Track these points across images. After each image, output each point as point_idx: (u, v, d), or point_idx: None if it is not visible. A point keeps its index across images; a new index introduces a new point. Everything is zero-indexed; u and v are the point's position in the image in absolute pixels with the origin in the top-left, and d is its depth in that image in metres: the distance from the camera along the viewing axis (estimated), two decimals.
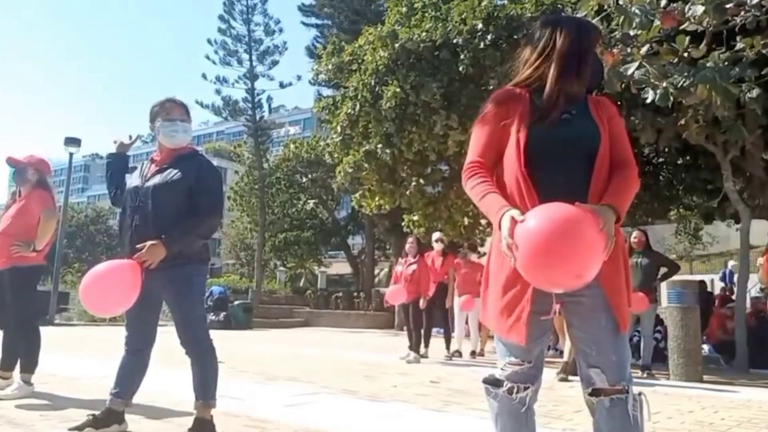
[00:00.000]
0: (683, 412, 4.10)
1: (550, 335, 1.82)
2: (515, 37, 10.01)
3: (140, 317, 2.90)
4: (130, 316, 2.91)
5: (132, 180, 3.01)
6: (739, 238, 7.77)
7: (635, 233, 6.77)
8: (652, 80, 3.63)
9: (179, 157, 2.96)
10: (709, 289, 11.79)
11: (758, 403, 4.62)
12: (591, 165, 1.73)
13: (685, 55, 3.44)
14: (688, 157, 9.09)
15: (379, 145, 11.99)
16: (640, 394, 1.66)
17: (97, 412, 2.88)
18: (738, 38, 3.57)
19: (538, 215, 1.54)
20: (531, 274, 1.54)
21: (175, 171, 2.89)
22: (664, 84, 3.58)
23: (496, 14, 10.86)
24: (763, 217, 9.10)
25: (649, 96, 3.79)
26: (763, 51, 3.37)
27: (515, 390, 1.72)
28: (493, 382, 1.78)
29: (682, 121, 5.48)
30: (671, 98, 3.74)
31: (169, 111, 2.95)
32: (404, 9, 12.36)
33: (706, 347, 8.06)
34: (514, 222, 1.57)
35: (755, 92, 3.59)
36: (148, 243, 2.73)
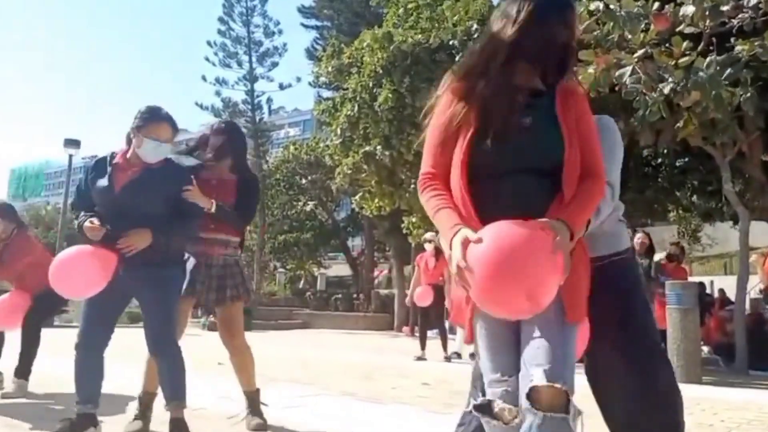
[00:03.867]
0: None
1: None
2: None
3: (103, 314, 2.87)
4: (91, 312, 2.87)
5: (101, 183, 2.88)
6: (738, 239, 7.77)
7: (639, 235, 6.75)
8: (643, 90, 3.66)
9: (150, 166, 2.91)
10: (708, 291, 11.78)
11: (758, 405, 4.62)
12: (553, 180, 1.52)
13: (680, 61, 3.45)
14: (687, 159, 9.11)
15: (378, 147, 12.01)
16: (579, 412, 1.44)
17: (72, 417, 2.87)
18: (732, 40, 3.58)
19: (491, 235, 1.39)
20: (485, 300, 1.42)
21: (154, 178, 2.85)
22: (654, 94, 3.61)
23: (490, 15, 10.89)
24: (762, 219, 9.11)
25: (640, 110, 3.82)
26: (758, 52, 3.38)
27: (506, 412, 1.49)
28: (483, 409, 1.55)
29: (680, 123, 5.50)
30: (649, 109, 3.76)
31: (157, 130, 2.86)
32: (401, 11, 12.38)
33: (705, 349, 8.06)
34: (467, 242, 1.41)
35: (750, 94, 3.60)
36: (133, 230, 2.74)
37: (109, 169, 2.88)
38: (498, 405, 1.51)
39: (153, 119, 2.88)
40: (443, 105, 1.63)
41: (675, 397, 1.96)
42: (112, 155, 2.98)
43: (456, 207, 1.53)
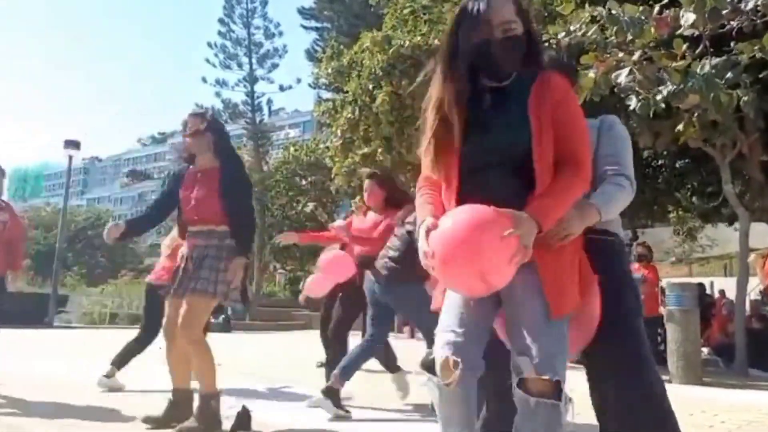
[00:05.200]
0: (683, 415, 4.09)
1: (494, 315, 1.64)
2: None
3: None
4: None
5: None
6: (738, 240, 7.78)
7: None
8: (637, 88, 3.67)
9: None
10: (708, 291, 11.79)
11: (758, 406, 4.62)
12: (528, 172, 1.55)
13: (677, 64, 3.46)
14: (686, 160, 9.11)
15: (379, 149, 12.01)
16: (570, 399, 1.51)
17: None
18: (732, 43, 3.59)
19: (447, 218, 1.52)
20: (443, 279, 1.54)
21: None
22: (647, 93, 3.63)
23: None
24: (762, 220, 9.12)
25: (632, 103, 3.84)
26: (758, 55, 3.39)
27: (450, 363, 1.53)
28: (429, 367, 1.62)
29: (680, 127, 5.49)
30: (652, 108, 3.78)
31: None
32: (401, 12, 12.37)
33: (705, 350, 8.07)
34: (429, 230, 1.54)
35: (750, 96, 3.62)
36: None
37: None
38: (440, 355, 1.56)
39: None
40: (433, 109, 1.69)
41: (660, 388, 1.95)
42: None
43: (437, 202, 1.65)
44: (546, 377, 1.47)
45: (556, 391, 1.47)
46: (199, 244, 3.11)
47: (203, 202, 3.12)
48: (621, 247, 2.08)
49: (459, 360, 1.53)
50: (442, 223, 1.51)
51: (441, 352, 1.57)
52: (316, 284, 4.96)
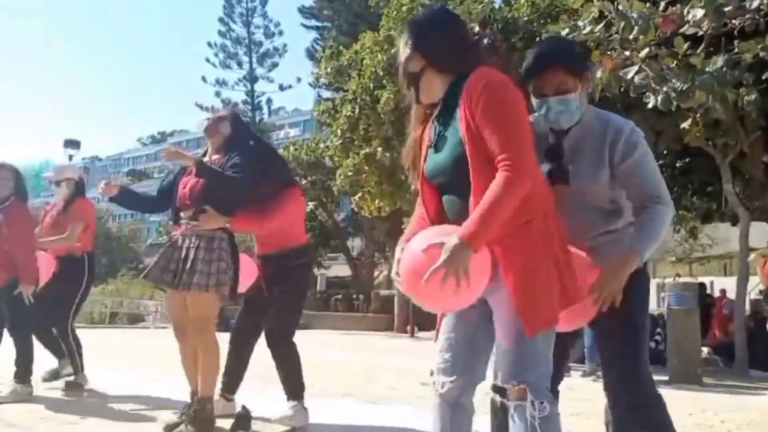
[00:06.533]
0: (682, 415, 4.09)
1: (482, 327, 1.67)
2: (512, 40, 10.02)
3: None
4: None
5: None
6: (738, 240, 7.78)
7: None
8: (653, 85, 3.65)
9: None
10: (708, 291, 11.78)
11: (758, 406, 4.62)
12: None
13: (685, 60, 3.45)
14: (687, 159, 9.11)
15: (379, 149, 12.02)
16: (542, 402, 1.50)
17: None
18: (736, 42, 3.59)
19: (400, 252, 1.62)
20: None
21: None
22: (665, 88, 3.60)
23: (492, 18, 10.86)
24: (762, 220, 9.12)
25: (651, 101, 3.81)
26: (761, 54, 3.39)
27: (440, 385, 1.67)
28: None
29: (685, 125, 5.48)
30: (673, 102, 3.74)
31: None
32: (401, 13, 12.34)
33: (705, 349, 8.07)
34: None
35: (753, 96, 3.61)
36: None
37: None
38: (432, 379, 1.70)
39: None
40: (413, 129, 1.82)
41: (656, 395, 1.95)
42: None
43: (419, 218, 1.74)
44: (506, 386, 1.54)
45: (525, 395, 1.51)
46: (188, 232, 2.97)
47: (194, 187, 2.99)
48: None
49: (443, 382, 1.66)
50: (398, 257, 1.60)
51: (433, 377, 1.70)
52: None
